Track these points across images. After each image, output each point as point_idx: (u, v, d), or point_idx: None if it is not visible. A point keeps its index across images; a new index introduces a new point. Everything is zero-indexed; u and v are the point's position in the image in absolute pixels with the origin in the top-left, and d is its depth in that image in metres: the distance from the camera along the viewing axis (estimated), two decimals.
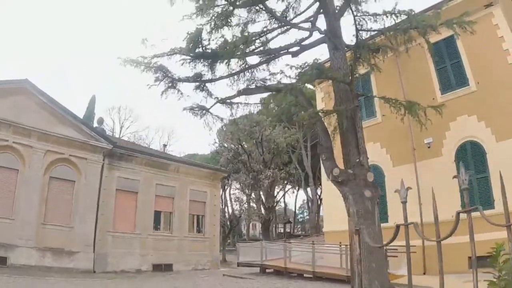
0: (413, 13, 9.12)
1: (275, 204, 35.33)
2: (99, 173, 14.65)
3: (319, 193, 31.65)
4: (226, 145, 29.28)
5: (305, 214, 50.80)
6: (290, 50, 13.71)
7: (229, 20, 13.50)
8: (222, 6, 12.99)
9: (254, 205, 30.19)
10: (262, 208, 29.62)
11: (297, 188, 37.97)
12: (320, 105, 18.36)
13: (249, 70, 14.31)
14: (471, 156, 13.05)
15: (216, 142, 32.98)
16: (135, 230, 15.61)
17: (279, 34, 14.25)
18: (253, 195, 29.86)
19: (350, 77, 11.51)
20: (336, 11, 12.40)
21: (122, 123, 40.08)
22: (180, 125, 70.68)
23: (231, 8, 13.13)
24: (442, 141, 13.73)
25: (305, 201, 44.86)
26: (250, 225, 42.35)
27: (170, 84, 13.54)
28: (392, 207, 14.50)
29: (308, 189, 32.48)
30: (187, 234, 17.86)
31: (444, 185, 12.98)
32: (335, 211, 15.85)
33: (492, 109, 12.51)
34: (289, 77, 13.26)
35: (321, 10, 13.01)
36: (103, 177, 14.73)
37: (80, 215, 13.88)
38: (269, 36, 14.21)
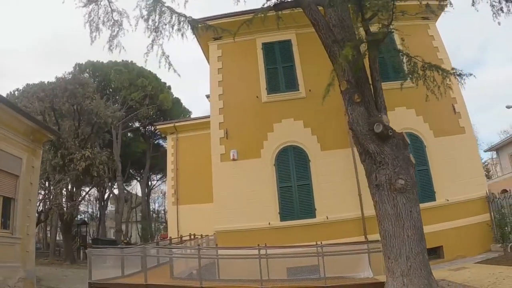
0: None
1: (83, 198, 26.96)
2: None
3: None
4: (31, 104, 19.72)
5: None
6: None
7: None
8: None
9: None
10: (66, 201, 21.39)
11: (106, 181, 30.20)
12: (216, 64, 14.26)
13: None
14: (412, 148, 12.11)
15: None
16: None
17: None
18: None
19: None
20: None
21: None
22: None
23: None
24: None
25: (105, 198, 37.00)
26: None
27: None
28: (320, 199, 11.90)
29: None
30: None
31: None
32: (231, 205, 12.28)
33: (430, 106, 11.99)
34: None
35: None
36: None
37: None
38: None
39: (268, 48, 13.92)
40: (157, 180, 48.06)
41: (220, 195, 12.62)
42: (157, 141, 40.86)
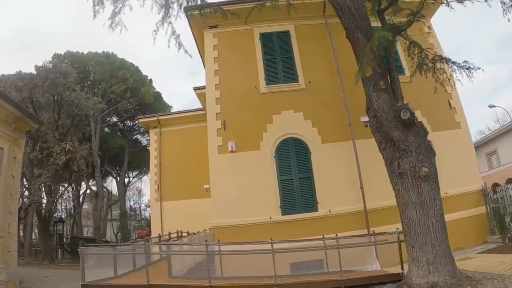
0: None
1: (61, 194, 25.66)
2: None
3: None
4: (8, 94, 18.53)
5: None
6: None
7: None
8: None
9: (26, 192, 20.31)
10: (45, 197, 20.28)
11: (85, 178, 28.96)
12: (211, 53, 13.85)
13: None
14: None
15: None
16: None
17: None
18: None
19: None
20: None
21: None
22: None
23: None
24: None
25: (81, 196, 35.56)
26: None
27: None
28: (322, 192, 11.74)
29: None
30: None
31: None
32: (229, 199, 11.84)
33: (426, 101, 12.28)
34: None
35: None
36: None
37: None
38: None
39: (266, 38, 13.65)
40: (134, 177, 46.87)
41: (218, 189, 12.20)
42: (135, 136, 39.81)
